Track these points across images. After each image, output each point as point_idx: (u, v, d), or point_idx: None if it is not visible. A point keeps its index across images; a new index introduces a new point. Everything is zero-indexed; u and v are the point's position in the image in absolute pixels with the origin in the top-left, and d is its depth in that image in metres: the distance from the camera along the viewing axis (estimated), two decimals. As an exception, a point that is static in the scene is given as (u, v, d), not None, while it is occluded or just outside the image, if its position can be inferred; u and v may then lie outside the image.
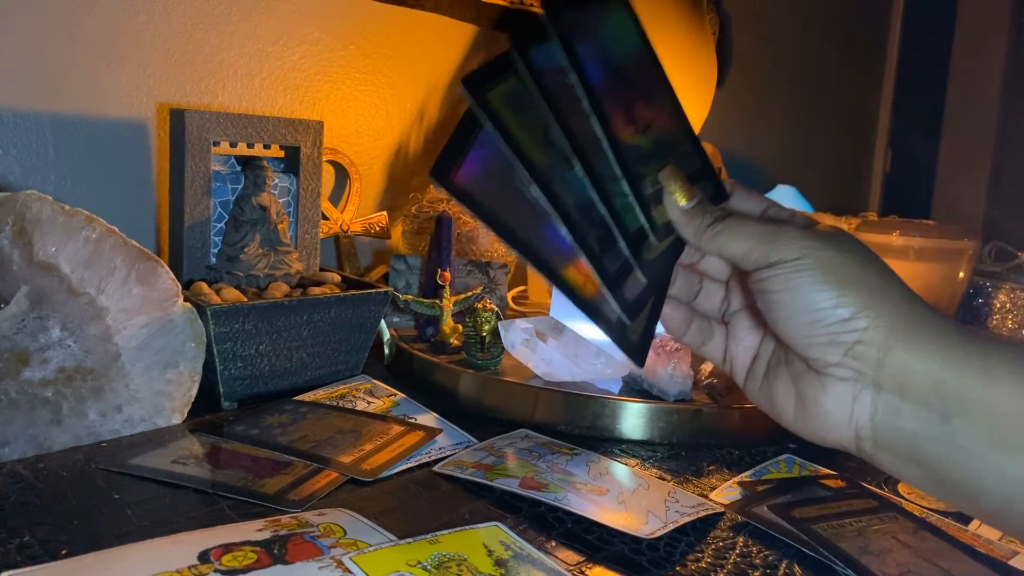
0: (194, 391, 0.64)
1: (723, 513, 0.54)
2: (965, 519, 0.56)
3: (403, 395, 0.71)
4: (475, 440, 0.63)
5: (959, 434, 0.34)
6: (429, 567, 0.41)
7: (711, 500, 0.55)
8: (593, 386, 0.72)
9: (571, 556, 0.47)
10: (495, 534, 0.46)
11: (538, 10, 1.16)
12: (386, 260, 1.02)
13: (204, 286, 0.71)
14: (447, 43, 1.14)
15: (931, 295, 0.92)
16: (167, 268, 0.63)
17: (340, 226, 1.03)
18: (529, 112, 0.38)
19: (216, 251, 0.76)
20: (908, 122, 1.93)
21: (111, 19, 0.83)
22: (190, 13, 0.89)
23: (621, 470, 0.58)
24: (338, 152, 1.03)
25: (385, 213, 1.07)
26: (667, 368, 0.71)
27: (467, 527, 0.46)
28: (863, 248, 0.38)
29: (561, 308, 0.82)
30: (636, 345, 0.40)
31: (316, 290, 0.75)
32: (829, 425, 0.38)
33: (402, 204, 1.08)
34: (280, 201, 0.79)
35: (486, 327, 0.75)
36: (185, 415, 0.63)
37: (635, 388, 0.74)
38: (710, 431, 0.67)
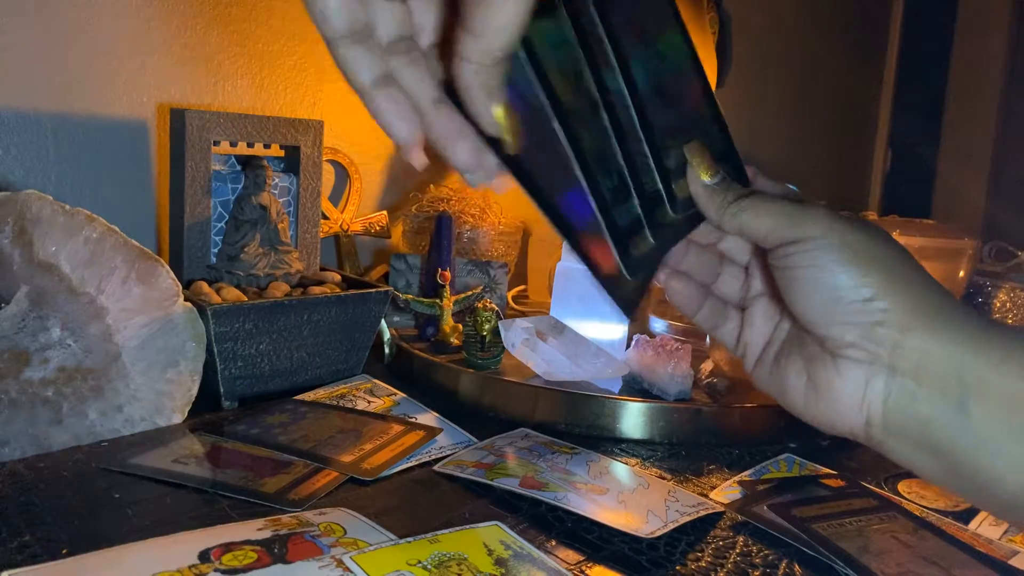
0: (194, 391, 0.64)
1: (723, 512, 0.54)
2: (965, 519, 0.56)
3: (403, 395, 0.71)
4: (475, 439, 0.63)
5: (975, 421, 0.34)
6: (429, 566, 0.41)
7: (711, 499, 0.55)
8: (593, 386, 0.72)
9: (571, 555, 0.47)
10: (495, 533, 0.46)
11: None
12: (386, 260, 1.02)
13: (204, 285, 0.71)
14: (447, 43, 1.14)
15: (931, 295, 0.92)
16: (167, 268, 0.63)
17: (340, 226, 1.03)
18: (563, 53, 0.38)
19: (216, 251, 0.77)
20: (908, 122, 1.93)
21: (112, 19, 0.83)
22: (190, 13, 0.89)
23: (621, 469, 0.59)
24: (338, 152, 1.03)
25: (385, 213, 1.07)
26: (667, 368, 0.71)
27: (467, 526, 0.46)
28: (887, 234, 0.38)
29: (561, 308, 0.82)
30: (628, 297, 0.40)
31: (316, 290, 0.75)
32: (840, 409, 0.38)
33: (402, 204, 1.08)
34: (280, 201, 0.79)
35: (486, 327, 0.75)
36: (185, 414, 0.63)
37: (635, 387, 0.74)
38: (710, 431, 0.67)
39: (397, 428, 0.63)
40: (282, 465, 0.56)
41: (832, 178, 1.90)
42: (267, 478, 0.53)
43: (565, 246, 0.79)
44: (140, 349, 0.61)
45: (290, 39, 0.98)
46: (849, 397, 0.37)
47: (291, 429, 0.62)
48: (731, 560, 0.48)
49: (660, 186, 0.40)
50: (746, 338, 0.44)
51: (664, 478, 0.59)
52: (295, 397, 0.69)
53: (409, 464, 0.58)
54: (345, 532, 0.45)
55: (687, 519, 0.51)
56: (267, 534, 0.44)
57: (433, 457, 0.59)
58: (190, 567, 0.40)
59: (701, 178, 0.41)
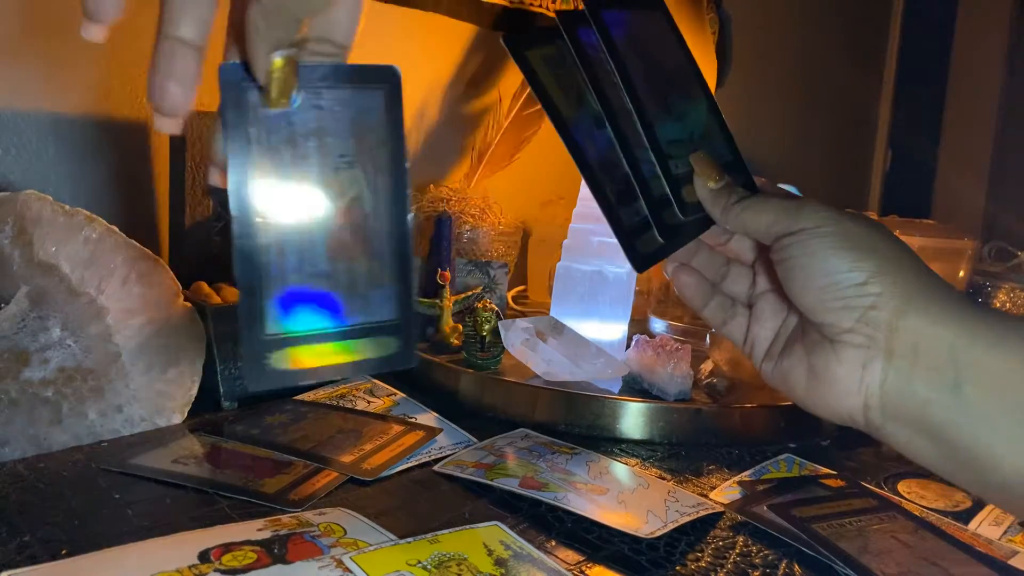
0: (194, 391, 0.64)
1: (723, 513, 0.54)
2: (965, 519, 0.56)
3: (403, 395, 0.71)
4: (475, 440, 0.63)
5: (971, 401, 0.35)
6: (429, 567, 0.41)
7: (711, 500, 0.55)
8: (593, 386, 0.72)
9: (571, 555, 0.47)
10: (495, 533, 0.46)
11: (537, 9, 1.17)
12: (386, 260, 1.02)
13: (204, 286, 0.71)
14: (447, 43, 1.14)
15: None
16: (167, 268, 0.63)
17: (340, 226, 1.03)
18: (564, 75, 0.42)
19: (216, 251, 0.76)
20: (908, 122, 1.93)
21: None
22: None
23: (621, 470, 0.59)
24: (338, 152, 1.03)
25: (385, 213, 1.07)
26: (667, 368, 0.71)
27: (467, 527, 0.46)
28: (881, 224, 0.40)
29: (561, 308, 0.82)
30: (642, 254, 0.42)
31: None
32: (839, 393, 0.38)
33: (402, 204, 1.08)
34: (280, 201, 0.79)
35: (486, 327, 0.75)
36: (185, 415, 0.63)
37: (635, 388, 0.74)
38: (710, 431, 0.67)
39: (397, 428, 0.63)
40: (282, 465, 0.56)
41: (832, 178, 1.90)
42: (267, 478, 0.53)
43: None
44: (140, 349, 0.61)
45: (290, 39, 0.98)
46: (847, 381, 0.38)
47: (291, 429, 0.62)
48: (731, 560, 0.48)
49: (668, 191, 0.42)
50: (754, 333, 0.45)
51: (664, 478, 0.59)
52: (295, 397, 0.69)
53: (409, 464, 0.58)
54: (345, 532, 0.45)
55: (687, 519, 0.51)
56: (267, 534, 0.44)
57: (433, 457, 0.59)
58: (190, 567, 0.40)
59: (707, 184, 0.43)
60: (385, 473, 0.56)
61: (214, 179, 0.35)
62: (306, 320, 0.35)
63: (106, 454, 0.56)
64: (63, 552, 0.43)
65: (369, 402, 0.69)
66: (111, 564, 0.41)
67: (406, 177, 0.37)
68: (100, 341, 0.60)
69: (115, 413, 0.60)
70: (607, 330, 0.80)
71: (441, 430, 0.64)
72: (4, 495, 0.49)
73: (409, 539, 0.44)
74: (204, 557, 0.41)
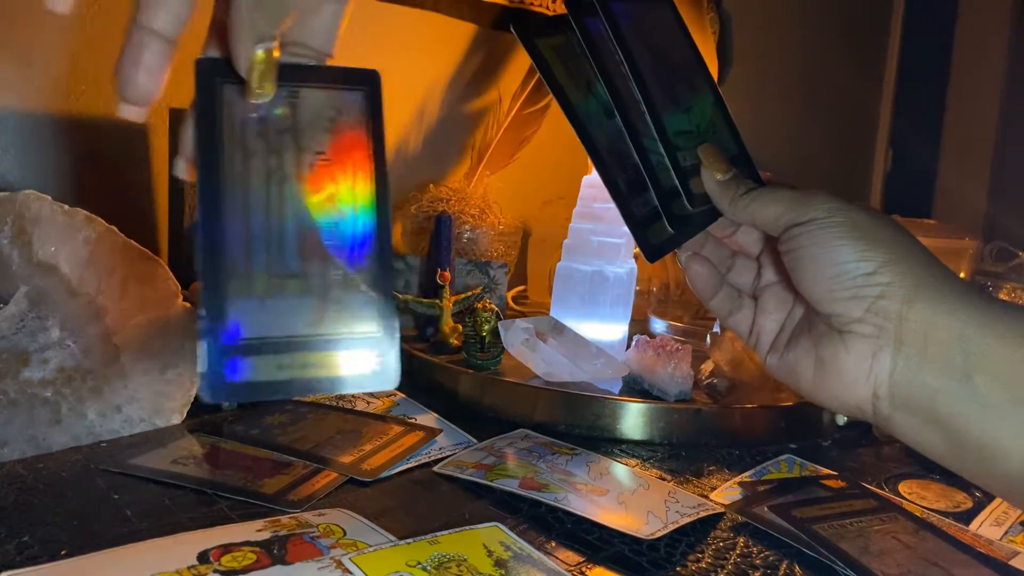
0: (193, 391, 0.64)
1: (723, 513, 0.54)
2: (966, 520, 0.56)
3: (403, 395, 0.71)
4: (475, 440, 0.63)
5: (980, 391, 0.35)
6: (429, 567, 0.41)
7: (711, 500, 0.55)
8: (593, 386, 0.72)
9: (571, 556, 0.47)
10: (495, 534, 0.46)
11: (538, 9, 1.17)
12: (386, 260, 1.02)
13: (204, 286, 0.71)
14: (447, 43, 1.14)
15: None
16: (167, 268, 0.63)
17: (340, 226, 1.03)
18: (574, 64, 0.42)
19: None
20: (908, 122, 1.93)
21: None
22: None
23: (621, 470, 0.58)
24: (338, 152, 1.03)
25: (385, 213, 1.07)
26: (667, 368, 0.71)
27: (467, 527, 0.46)
28: (888, 216, 0.40)
29: (561, 308, 0.82)
30: (653, 245, 0.42)
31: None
32: (847, 382, 0.39)
33: (402, 204, 1.08)
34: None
35: (486, 327, 0.75)
36: (184, 415, 0.63)
37: (635, 388, 0.74)
38: (710, 431, 0.67)
39: (397, 429, 0.63)
40: (281, 466, 0.55)
41: (832, 178, 1.90)
42: (266, 479, 0.53)
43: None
44: (139, 350, 0.61)
45: (290, 39, 0.98)
46: (856, 370, 0.38)
47: (290, 430, 0.62)
48: (731, 561, 0.48)
49: (676, 182, 0.43)
50: (759, 325, 0.46)
51: (664, 479, 0.59)
52: (294, 398, 0.69)
53: (409, 465, 0.58)
54: (345, 533, 0.45)
55: (687, 520, 0.50)
56: (266, 535, 0.44)
57: (433, 458, 0.59)
58: (189, 568, 0.40)
59: (715, 176, 0.43)
60: (385, 474, 0.56)
61: (180, 171, 0.34)
62: (273, 326, 0.32)
63: (105, 454, 0.56)
64: (62, 552, 0.43)
65: (369, 402, 0.69)
66: (110, 564, 0.41)
67: (386, 180, 0.35)
68: (99, 341, 0.59)
69: (114, 413, 0.59)
70: (607, 330, 0.80)
71: (441, 431, 0.63)
72: (3, 495, 0.49)
73: (409, 540, 0.44)
74: (203, 558, 0.41)
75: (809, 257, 0.39)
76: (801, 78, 1.74)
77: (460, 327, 0.80)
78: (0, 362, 0.56)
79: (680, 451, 0.65)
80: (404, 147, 1.12)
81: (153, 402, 0.61)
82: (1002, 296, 1.05)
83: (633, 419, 0.67)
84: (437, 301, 0.83)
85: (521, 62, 1.19)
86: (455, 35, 1.14)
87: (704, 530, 0.51)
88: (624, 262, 0.81)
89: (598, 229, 0.80)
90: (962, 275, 0.99)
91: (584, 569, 0.46)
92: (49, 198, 0.59)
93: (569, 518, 0.51)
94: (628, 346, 0.77)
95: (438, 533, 0.45)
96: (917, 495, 0.59)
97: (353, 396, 0.70)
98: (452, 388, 0.73)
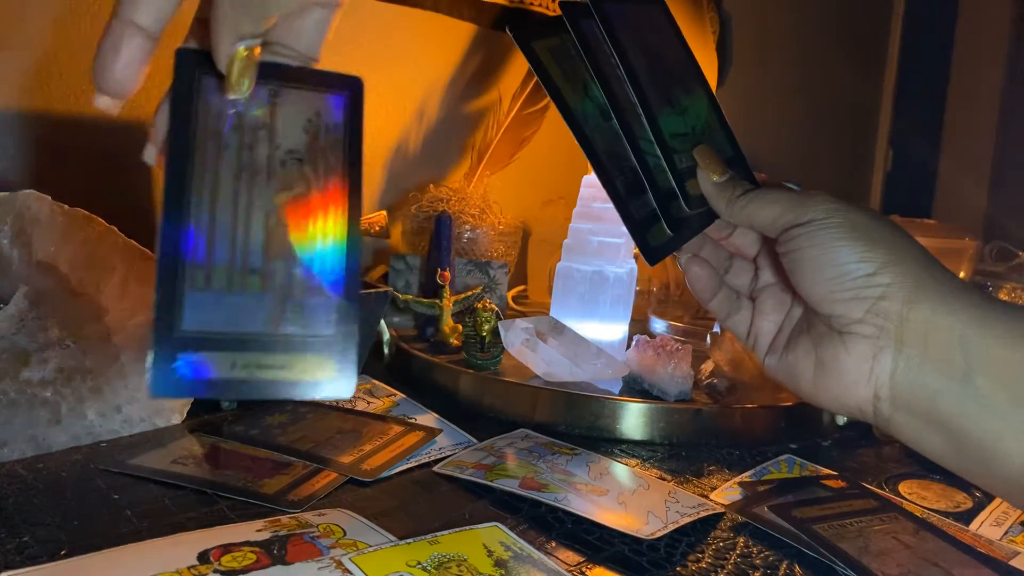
0: (194, 391, 0.64)
1: (723, 513, 0.54)
2: (966, 520, 0.56)
3: (403, 395, 0.71)
4: (475, 440, 0.63)
5: (981, 392, 0.35)
6: (429, 567, 0.41)
7: (711, 500, 0.55)
8: (593, 386, 0.72)
9: (571, 556, 0.47)
10: (495, 534, 0.46)
11: (537, 8, 1.16)
12: (386, 260, 1.02)
13: (204, 286, 0.71)
14: (447, 43, 1.14)
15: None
16: (167, 268, 0.63)
17: (340, 226, 1.03)
18: (571, 67, 0.42)
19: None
20: (908, 122, 1.93)
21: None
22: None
23: (621, 470, 0.58)
24: (338, 152, 1.02)
25: (385, 213, 1.07)
26: (667, 368, 0.71)
27: (467, 527, 0.46)
28: (887, 217, 0.40)
29: (561, 308, 0.82)
30: (653, 247, 0.42)
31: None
32: (847, 383, 0.38)
33: (402, 204, 1.08)
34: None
35: (486, 327, 0.75)
36: (184, 415, 0.63)
37: (635, 388, 0.74)
38: (710, 431, 0.67)
39: (396, 429, 0.63)
40: (281, 466, 0.55)
41: (833, 178, 1.90)
42: (266, 479, 0.53)
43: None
44: (139, 350, 0.61)
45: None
46: (857, 371, 0.38)
47: (290, 430, 0.62)
48: (731, 561, 0.48)
49: (673, 184, 0.43)
50: (757, 326, 0.46)
51: (664, 479, 0.59)
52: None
53: (409, 465, 0.58)
54: (344, 533, 0.45)
55: (687, 520, 0.50)
56: (266, 535, 0.44)
57: (433, 458, 0.59)
58: (189, 568, 0.40)
59: (711, 177, 0.43)
60: (385, 474, 0.56)
61: (149, 157, 0.34)
62: (230, 321, 0.31)
63: (105, 454, 0.56)
64: (62, 552, 0.43)
65: (369, 402, 0.69)
66: (110, 564, 0.41)
67: (359, 185, 0.35)
68: (99, 341, 0.59)
69: (114, 413, 0.59)
70: (607, 330, 0.80)
71: (441, 431, 0.63)
72: (3, 495, 0.49)
73: (409, 540, 0.44)
74: (203, 558, 0.41)
75: (808, 258, 0.39)
76: (801, 78, 1.74)
77: (460, 327, 0.80)
78: (0, 362, 0.56)
79: (680, 451, 0.65)
80: (404, 147, 1.12)
81: (153, 402, 0.61)
82: (1002, 296, 1.05)
83: (633, 419, 0.67)
84: (437, 301, 0.83)
85: (521, 62, 1.19)
86: (455, 35, 1.14)
87: (704, 530, 0.51)
88: (624, 262, 0.81)
89: (598, 229, 0.80)
90: (962, 275, 0.99)
91: (584, 569, 0.46)
92: (49, 198, 0.59)
93: (569, 518, 0.51)
94: (628, 346, 0.77)
95: (438, 533, 0.45)
96: (917, 495, 0.59)
97: (353, 396, 0.70)
98: (452, 388, 0.73)
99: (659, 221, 0.43)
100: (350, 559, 0.41)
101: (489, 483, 0.54)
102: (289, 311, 0.32)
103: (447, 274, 0.83)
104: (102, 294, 0.60)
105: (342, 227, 0.34)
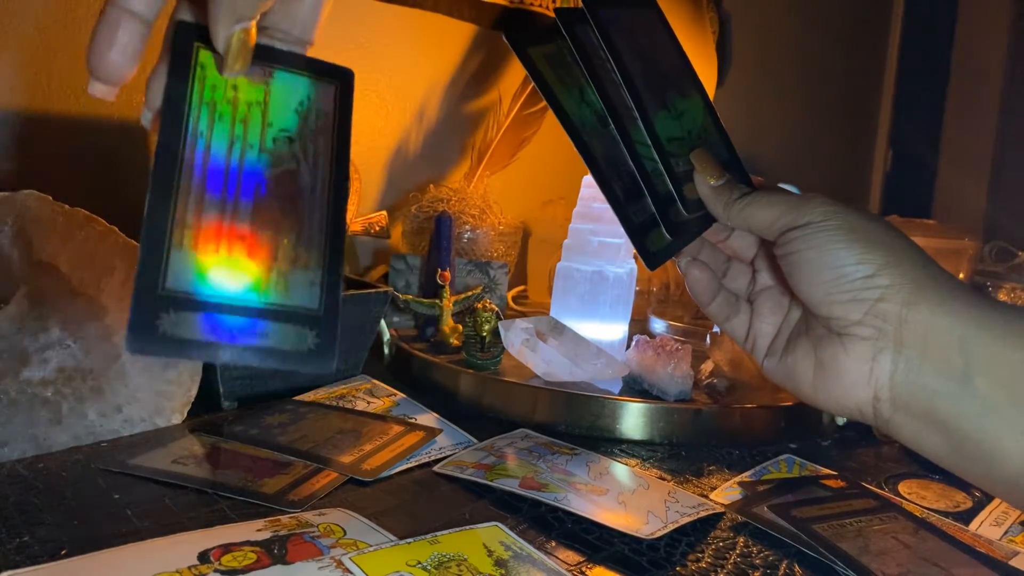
0: (194, 391, 0.64)
1: (723, 513, 0.54)
2: (966, 519, 0.56)
3: (403, 395, 0.71)
4: (475, 440, 0.63)
5: (981, 392, 0.35)
6: (429, 567, 0.41)
7: (711, 500, 0.55)
8: (593, 386, 0.72)
9: (571, 556, 0.47)
10: (495, 534, 0.46)
11: (538, 9, 1.17)
12: (386, 260, 1.02)
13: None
14: (447, 43, 1.14)
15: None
16: (167, 268, 0.63)
17: (340, 226, 1.03)
18: (567, 72, 0.43)
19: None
20: (908, 122, 1.93)
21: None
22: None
23: (621, 470, 0.58)
24: (338, 152, 1.03)
25: (385, 213, 1.07)
26: (667, 368, 0.71)
27: (467, 527, 0.46)
28: (884, 219, 0.40)
29: (561, 308, 0.82)
30: (652, 252, 0.43)
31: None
32: (847, 386, 0.39)
33: (402, 204, 1.08)
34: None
35: (486, 327, 0.75)
36: (185, 415, 0.63)
37: (635, 388, 0.74)
38: (710, 431, 0.67)
39: (397, 429, 0.63)
40: (282, 466, 0.56)
41: (832, 178, 1.90)
42: (267, 479, 0.53)
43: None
44: (140, 349, 0.61)
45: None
46: (856, 373, 0.38)
47: (291, 430, 0.62)
48: (731, 561, 0.48)
49: (671, 188, 0.43)
50: (756, 329, 0.46)
51: (664, 479, 0.59)
52: (295, 398, 0.69)
53: (409, 465, 0.58)
54: (345, 533, 0.45)
55: (687, 520, 0.50)
56: (267, 535, 0.44)
57: (433, 458, 0.59)
58: (189, 568, 0.40)
59: (708, 181, 0.43)
60: (385, 473, 0.56)
61: (146, 121, 0.34)
62: (214, 284, 0.31)
63: (106, 454, 0.56)
64: (63, 552, 0.43)
65: (369, 402, 0.69)
66: (111, 564, 0.41)
67: (347, 169, 0.36)
68: (100, 341, 0.59)
69: (115, 413, 0.59)
70: (607, 330, 0.80)
71: (441, 430, 0.63)
72: (4, 495, 0.49)
73: (409, 540, 0.44)
74: (204, 557, 0.41)
75: (806, 260, 0.39)
76: (801, 78, 1.74)
77: (460, 327, 0.80)
78: (0, 362, 0.56)
79: (680, 451, 0.65)
80: (404, 147, 1.12)
81: (153, 402, 0.61)
82: (1002, 296, 1.05)
83: (633, 419, 0.67)
84: (437, 301, 0.83)
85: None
86: (455, 35, 1.14)
87: (704, 530, 0.51)
88: (624, 262, 0.81)
89: (598, 229, 0.80)
90: (962, 275, 0.99)
91: (584, 569, 0.46)
92: (49, 198, 0.59)
93: (569, 518, 0.51)
94: (628, 346, 0.77)
95: (438, 533, 0.45)
96: (917, 495, 0.59)
97: (353, 396, 0.70)
98: (452, 388, 0.73)
99: (658, 225, 0.43)
100: (350, 559, 0.41)
101: (489, 483, 0.54)
102: (273, 281, 0.33)
103: (447, 274, 0.83)
104: (102, 294, 0.60)
105: (330, 206, 0.35)
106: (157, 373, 0.62)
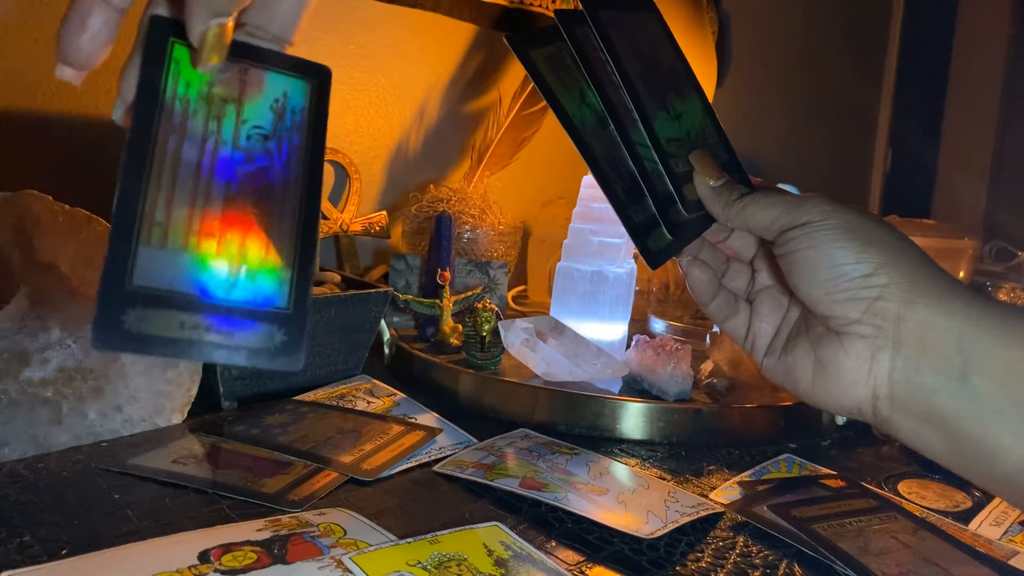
0: (194, 391, 0.64)
1: (723, 513, 0.54)
2: (965, 519, 0.56)
3: (403, 395, 0.71)
4: (475, 440, 0.63)
5: (979, 391, 0.35)
6: (429, 567, 0.41)
7: (711, 500, 0.55)
8: (593, 386, 0.72)
9: (571, 556, 0.47)
10: (495, 534, 0.46)
11: (538, 9, 1.17)
12: (386, 260, 1.02)
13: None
14: (447, 43, 1.14)
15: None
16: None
17: (340, 226, 1.03)
18: (567, 74, 0.43)
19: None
20: (908, 122, 1.93)
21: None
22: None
23: (621, 470, 0.58)
24: (338, 152, 1.03)
25: (385, 213, 1.07)
26: (667, 368, 0.71)
27: (467, 527, 0.46)
28: (883, 218, 0.40)
29: (561, 308, 0.82)
30: (653, 252, 0.43)
31: (316, 290, 0.75)
32: (846, 384, 0.39)
33: (402, 204, 1.08)
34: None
35: (486, 327, 0.75)
36: (185, 415, 0.63)
37: (635, 388, 0.74)
38: (710, 431, 0.67)
39: (397, 428, 0.63)
40: (282, 466, 0.56)
41: (832, 178, 1.90)
42: (267, 479, 0.53)
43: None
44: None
45: (290, 39, 0.98)
46: (855, 372, 0.38)
47: (291, 429, 0.62)
48: (731, 560, 0.48)
49: (671, 188, 0.43)
50: (755, 329, 0.46)
51: (664, 478, 0.59)
52: (295, 397, 0.69)
53: (409, 465, 0.58)
54: (345, 533, 0.45)
55: (687, 519, 0.51)
56: (267, 535, 0.44)
57: (433, 458, 0.59)
58: (190, 568, 0.40)
59: (707, 181, 0.43)
60: (385, 473, 0.56)
61: (118, 116, 0.33)
62: (183, 281, 0.31)
63: (106, 454, 0.56)
64: (63, 552, 0.43)
65: (369, 402, 0.69)
66: (111, 564, 0.41)
67: (321, 168, 0.36)
68: (100, 341, 0.59)
69: (115, 413, 0.60)
70: (607, 330, 0.80)
71: (441, 430, 0.63)
72: (4, 495, 0.49)
73: (409, 539, 0.44)
74: (204, 557, 0.41)
75: (805, 260, 0.39)
76: (801, 78, 1.74)
77: (460, 327, 0.80)
78: (1, 362, 0.56)
79: (680, 451, 0.65)
80: (404, 147, 1.12)
81: (154, 402, 0.61)
82: (1001, 296, 1.05)
83: (633, 419, 0.67)
84: (437, 301, 0.83)
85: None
86: (455, 35, 1.14)
87: (704, 529, 0.51)
88: (624, 262, 0.81)
89: (598, 229, 0.80)
90: (961, 275, 0.99)
91: (584, 568, 0.46)
92: (49, 198, 0.59)
93: (569, 517, 0.51)
94: (628, 346, 0.77)
95: (438, 532, 0.45)
96: (917, 495, 0.59)
97: (353, 396, 0.70)
98: (452, 388, 0.73)
99: (659, 226, 0.43)
100: (350, 558, 0.41)
101: (489, 483, 0.54)
102: (243, 278, 0.32)
103: (447, 274, 0.83)
104: (103, 294, 0.60)
105: (303, 204, 0.35)
106: (157, 373, 0.62)
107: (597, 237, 0.80)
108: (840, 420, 0.72)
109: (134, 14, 0.33)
